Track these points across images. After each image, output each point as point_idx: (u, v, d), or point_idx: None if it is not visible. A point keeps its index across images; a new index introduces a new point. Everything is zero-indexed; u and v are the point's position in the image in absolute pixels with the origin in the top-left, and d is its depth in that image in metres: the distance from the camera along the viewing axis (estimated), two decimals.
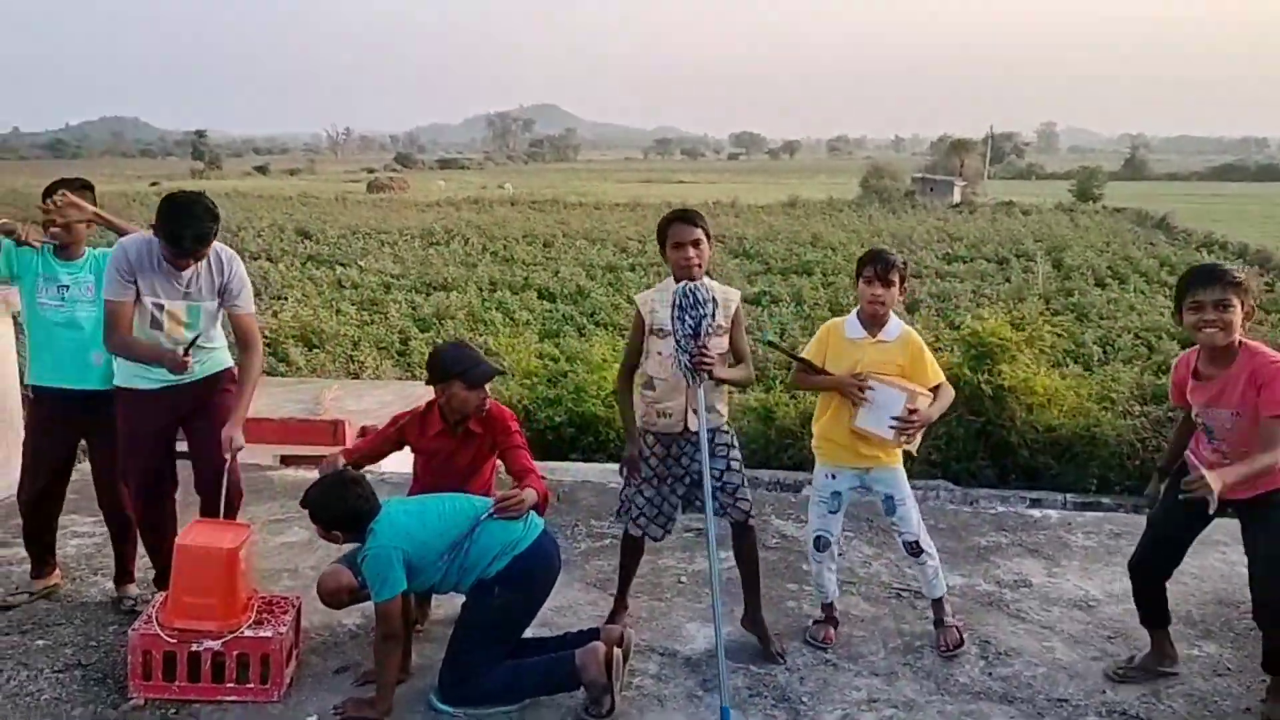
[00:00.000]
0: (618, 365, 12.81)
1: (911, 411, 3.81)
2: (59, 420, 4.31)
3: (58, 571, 4.54)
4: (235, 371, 4.18)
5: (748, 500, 3.98)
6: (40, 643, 3.97)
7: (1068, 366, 14.73)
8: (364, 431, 7.56)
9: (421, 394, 8.73)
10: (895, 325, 4.05)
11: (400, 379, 14.52)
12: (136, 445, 4.06)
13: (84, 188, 4.34)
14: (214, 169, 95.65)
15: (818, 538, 4.14)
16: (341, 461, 3.83)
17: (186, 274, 3.91)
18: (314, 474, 4.43)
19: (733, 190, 62.66)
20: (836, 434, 4.03)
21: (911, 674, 3.85)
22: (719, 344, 3.87)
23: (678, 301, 3.77)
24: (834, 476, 4.09)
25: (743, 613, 4.11)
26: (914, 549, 4.04)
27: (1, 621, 4.15)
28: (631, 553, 4.19)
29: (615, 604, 4.24)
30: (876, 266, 3.96)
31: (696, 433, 3.84)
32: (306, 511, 3.56)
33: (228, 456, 3.90)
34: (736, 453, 4.01)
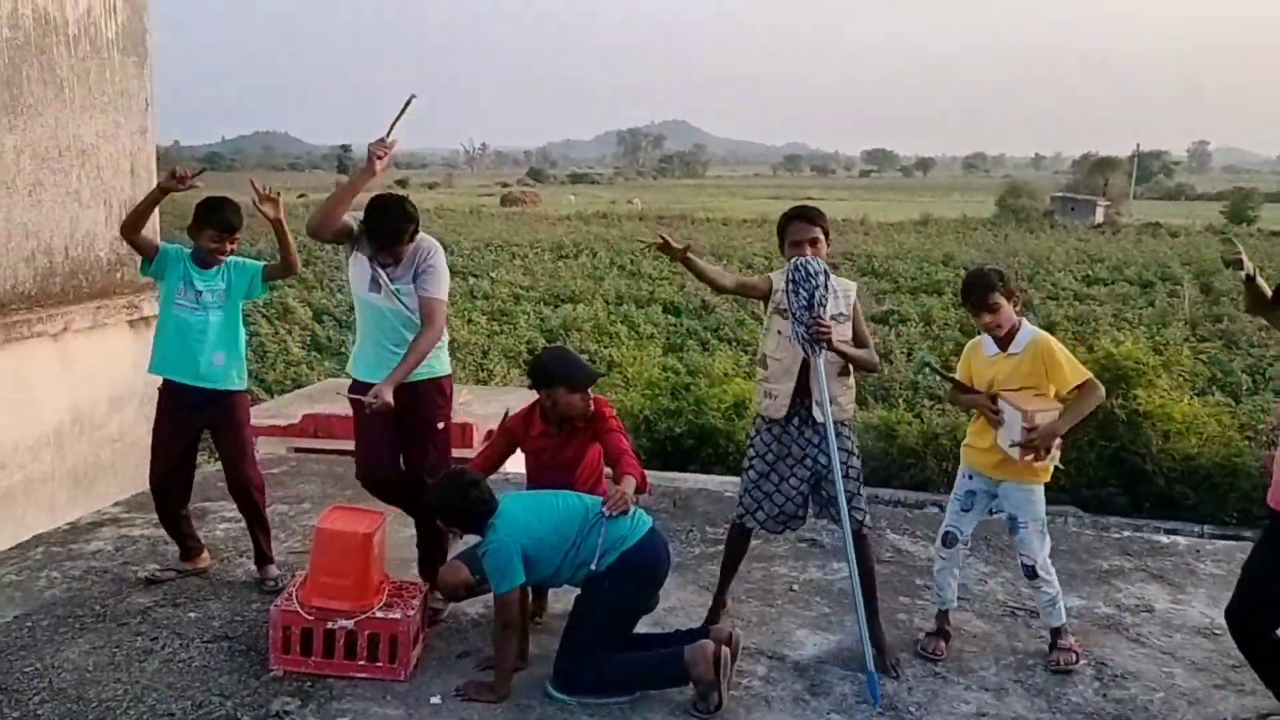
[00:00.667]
0: (739, 380, 12.79)
1: (1030, 430, 3.79)
2: (180, 411, 4.57)
3: (205, 555, 4.86)
4: (441, 383, 4.33)
5: (861, 510, 4.00)
6: (192, 615, 4.31)
7: (1213, 394, 14.09)
8: (489, 435, 7.87)
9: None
10: (1025, 335, 3.99)
11: (527, 386, 14.94)
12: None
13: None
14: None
15: (946, 533, 4.15)
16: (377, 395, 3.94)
17: (388, 269, 4.15)
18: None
19: (863, 208, 61.89)
20: (978, 442, 4.06)
21: (1023, 691, 3.81)
22: (840, 330, 3.93)
23: (790, 276, 3.87)
24: (971, 477, 4.11)
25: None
26: (1029, 572, 4.00)
27: (158, 595, 4.51)
28: (735, 545, 4.25)
29: (714, 600, 4.31)
30: (971, 299, 3.97)
31: (814, 422, 3.91)
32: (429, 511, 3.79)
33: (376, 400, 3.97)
34: (857, 459, 4.04)
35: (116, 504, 5.77)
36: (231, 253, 4.55)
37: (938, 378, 12.73)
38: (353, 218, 4.16)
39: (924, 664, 4.02)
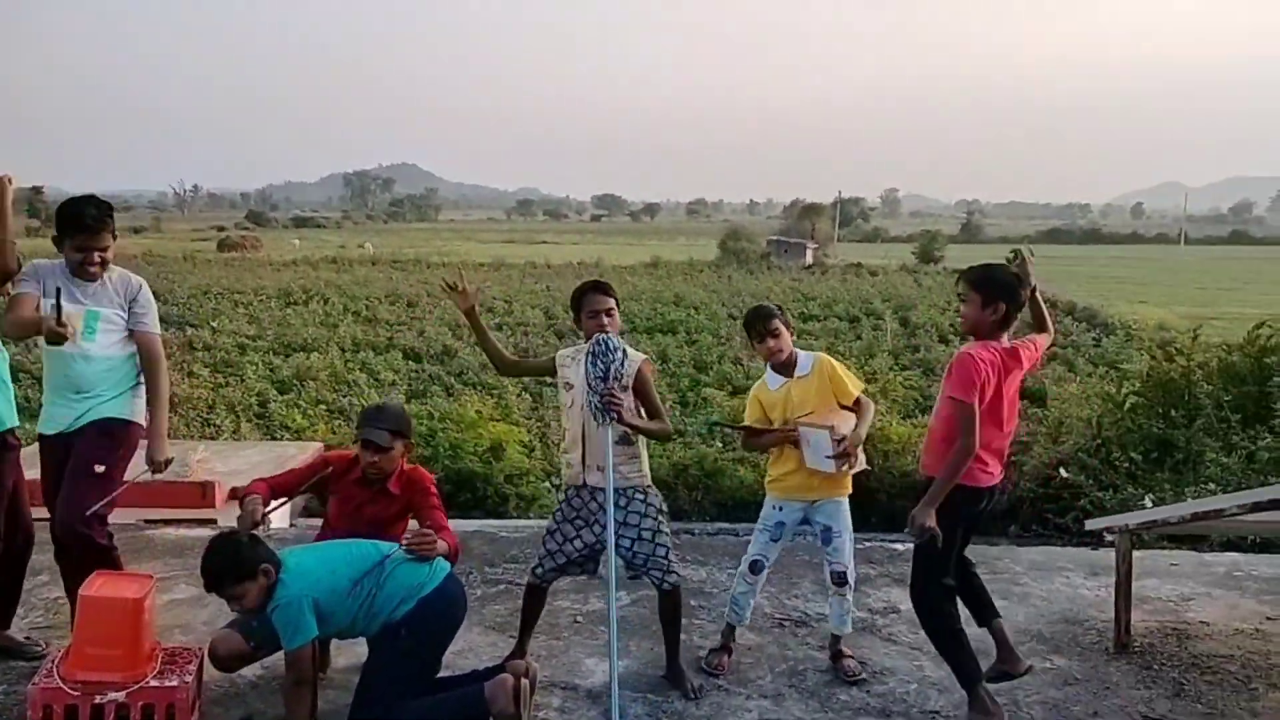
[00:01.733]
0: (491, 424, 12.72)
1: (840, 441, 4.14)
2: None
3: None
4: (124, 427, 4.13)
5: (662, 567, 4.09)
6: None
7: (917, 417, 15.58)
8: (234, 492, 7.45)
9: (293, 454, 8.69)
10: (806, 359, 4.40)
11: (263, 439, 14.20)
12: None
13: None
14: (49, 225, 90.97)
15: (754, 562, 4.42)
16: (259, 503, 3.87)
17: (92, 287, 4.01)
18: (193, 532, 4.39)
19: (596, 251, 63.59)
20: (787, 473, 4.35)
21: (798, 695, 4.13)
22: (628, 398, 4.09)
23: (591, 349, 4.04)
24: (780, 509, 4.40)
25: (666, 660, 4.25)
26: (840, 579, 4.35)
27: None
28: (531, 602, 4.31)
29: (515, 649, 4.34)
30: (758, 326, 4.37)
31: (598, 488, 4.04)
32: (204, 579, 3.56)
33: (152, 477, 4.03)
34: (651, 521, 4.11)
35: None
36: None
37: (728, 431, 13.33)
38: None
39: (706, 678, 4.25)
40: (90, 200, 4.05)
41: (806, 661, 4.42)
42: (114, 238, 4.04)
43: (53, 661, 3.63)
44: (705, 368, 21.62)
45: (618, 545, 4.06)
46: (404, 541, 3.72)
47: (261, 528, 3.88)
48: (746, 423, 4.50)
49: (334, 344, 25.49)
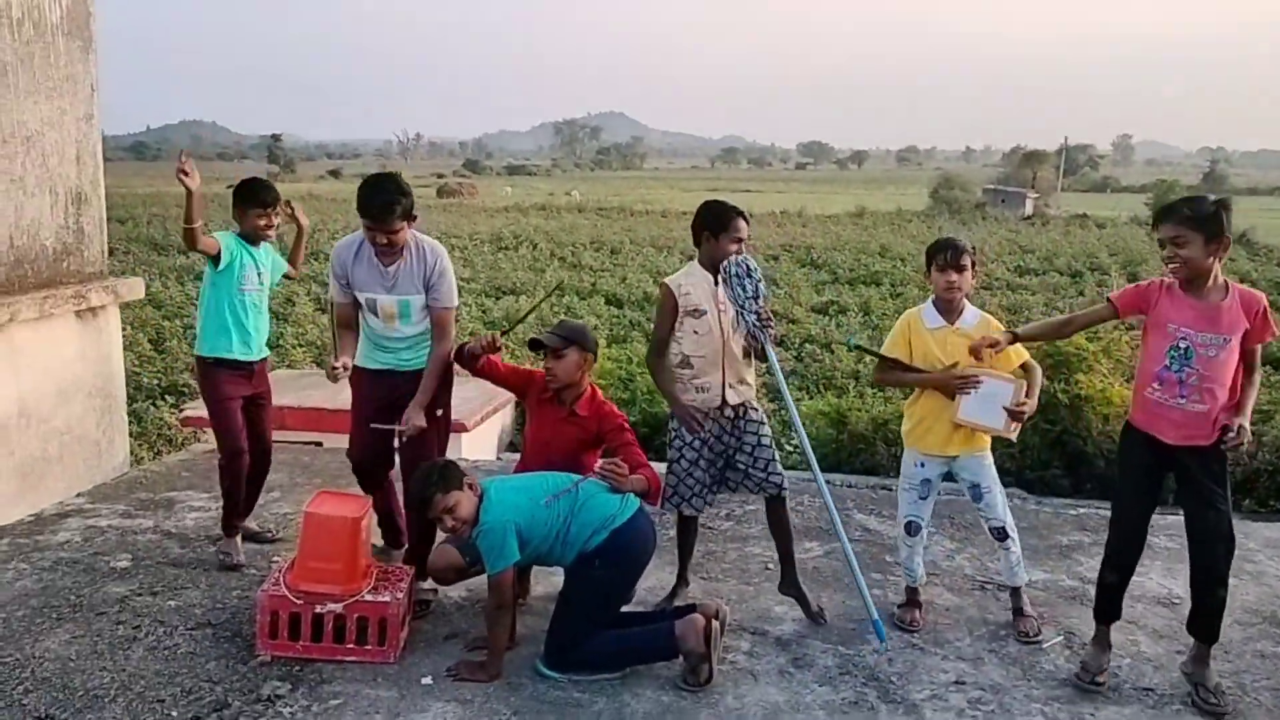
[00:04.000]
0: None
1: (1020, 403, 3.94)
2: (238, 385, 4.76)
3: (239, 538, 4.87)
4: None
5: (780, 474, 4.21)
6: (171, 603, 4.26)
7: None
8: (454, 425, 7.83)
9: (499, 392, 9.02)
10: (972, 312, 4.18)
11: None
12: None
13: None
14: (289, 172, 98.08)
15: (909, 523, 4.27)
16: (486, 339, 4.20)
17: (390, 269, 4.18)
18: None
19: (800, 200, 62.48)
20: (928, 423, 4.16)
21: (997, 660, 3.96)
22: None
23: (734, 272, 4.02)
24: (923, 465, 4.21)
25: (779, 579, 4.34)
26: (1000, 534, 4.16)
27: (134, 584, 4.45)
28: (688, 532, 4.43)
29: (677, 580, 4.44)
30: (948, 253, 4.12)
31: (739, 404, 4.15)
32: (414, 501, 3.78)
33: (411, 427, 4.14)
34: (766, 428, 4.24)
35: (79, 495, 5.67)
36: (273, 226, 4.78)
37: (867, 357, 12.86)
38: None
39: (900, 636, 4.14)
40: (380, 187, 4.06)
41: (1008, 628, 4.22)
42: (408, 219, 4.10)
43: (280, 571, 3.92)
44: None
45: (737, 457, 4.21)
46: (597, 466, 3.80)
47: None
48: (884, 350, 4.28)
49: (540, 288, 26.31)
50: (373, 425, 4.25)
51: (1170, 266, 3.52)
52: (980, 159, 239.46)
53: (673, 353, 4.20)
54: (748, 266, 4.04)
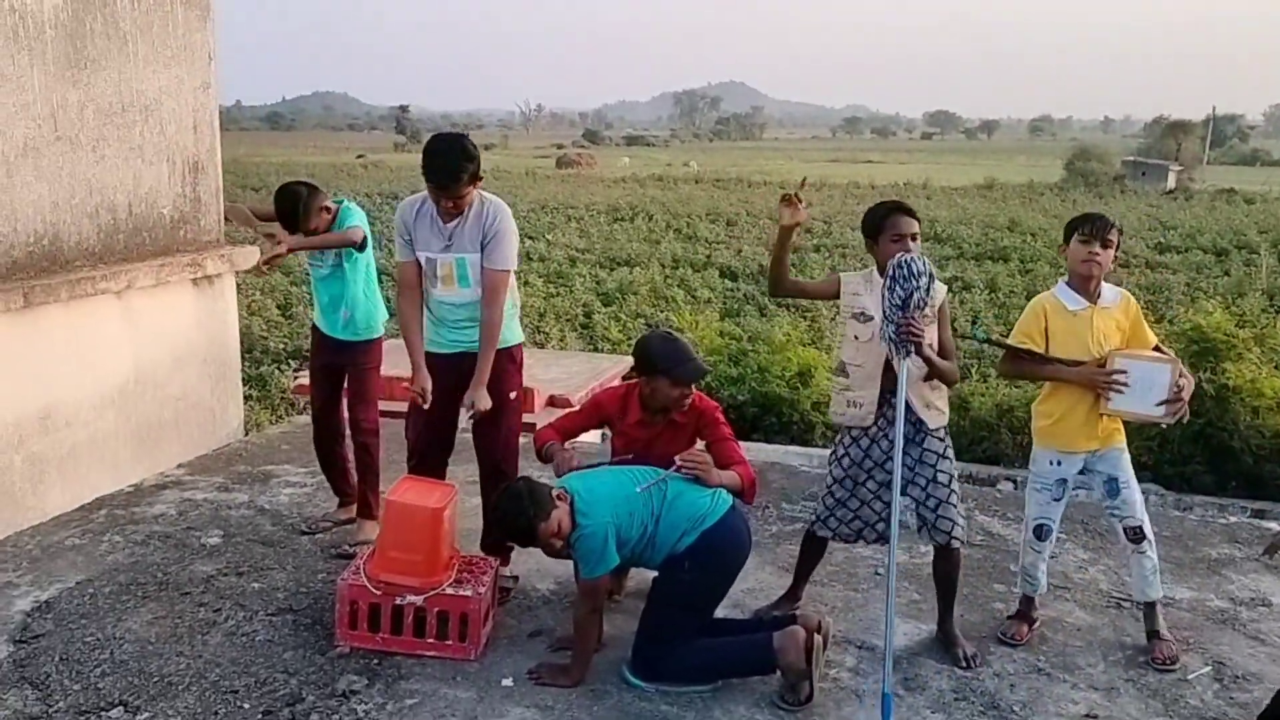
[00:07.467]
0: (801, 348, 12.42)
1: (1178, 387, 3.56)
2: (318, 360, 4.78)
3: (354, 506, 4.82)
4: (511, 351, 4.12)
5: (951, 520, 3.71)
6: (255, 585, 4.19)
7: None
8: (552, 400, 7.67)
9: (606, 367, 8.83)
10: (1111, 290, 3.79)
11: (584, 350, 14.77)
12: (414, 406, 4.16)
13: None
14: (415, 142, 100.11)
15: (1039, 526, 3.88)
16: (566, 449, 3.85)
17: (450, 226, 3.92)
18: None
19: (925, 171, 60.57)
20: (1068, 415, 3.76)
21: (1135, 691, 3.54)
22: (929, 332, 3.64)
23: (891, 273, 3.53)
24: (1059, 463, 3.81)
25: (937, 621, 3.92)
26: (1136, 534, 3.75)
27: (220, 563, 4.40)
28: (810, 550, 4.07)
29: (789, 591, 4.12)
30: (1094, 224, 3.72)
31: (892, 424, 3.61)
32: (511, 537, 3.57)
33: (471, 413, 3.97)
34: (948, 464, 3.74)
35: (180, 465, 5.70)
36: (330, 223, 4.58)
37: (1004, 349, 12.26)
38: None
39: (1024, 659, 3.76)
40: (443, 151, 3.82)
41: (1148, 652, 3.79)
42: (474, 180, 3.83)
43: (362, 560, 3.78)
44: None
45: (908, 490, 3.70)
46: (677, 460, 3.51)
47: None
48: (1014, 341, 3.84)
49: (655, 260, 26.08)
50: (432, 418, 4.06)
51: None
52: (1120, 129, 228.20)
53: (833, 357, 3.85)
54: (910, 269, 3.52)
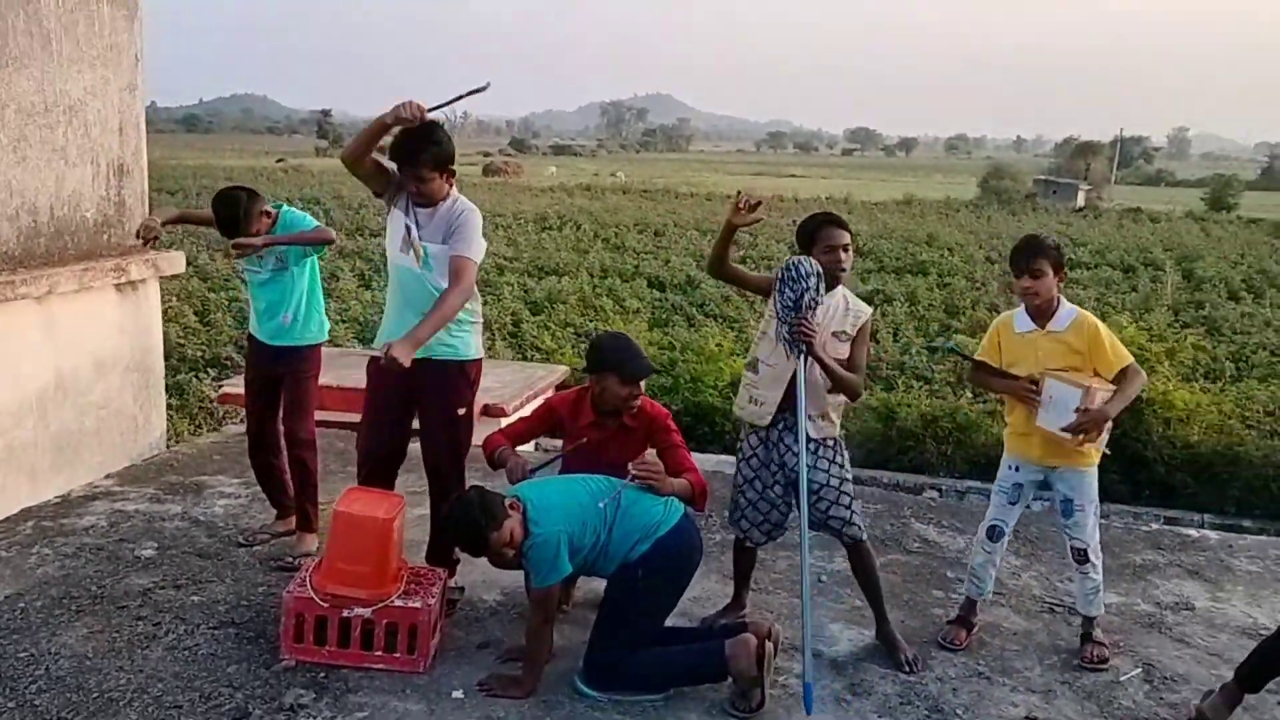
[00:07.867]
0: (731, 358, 12.56)
1: (1083, 411, 3.62)
2: (253, 371, 4.69)
3: (294, 518, 4.72)
4: (467, 366, 4.03)
5: (841, 519, 3.82)
6: (195, 599, 4.08)
7: (1198, 381, 14.03)
8: (487, 410, 7.62)
9: (540, 376, 8.81)
10: (1066, 313, 3.87)
11: (515, 359, 14.69)
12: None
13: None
14: (337, 147, 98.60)
15: (992, 527, 4.00)
16: (517, 455, 3.84)
17: (425, 214, 3.86)
18: None
19: (846, 186, 61.63)
20: (1025, 428, 3.88)
21: (1071, 693, 3.66)
22: (838, 349, 3.76)
23: (781, 275, 3.68)
24: (1017, 469, 3.95)
25: (875, 627, 3.99)
26: (1080, 556, 3.88)
27: (157, 576, 4.27)
28: (742, 555, 4.12)
29: (733, 599, 4.17)
30: (1021, 260, 3.84)
31: (797, 433, 3.72)
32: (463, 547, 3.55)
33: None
34: (838, 469, 3.85)
35: (108, 476, 5.52)
36: (269, 228, 4.48)
37: (963, 359, 12.57)
38: (389, 163, 3.93)
39: (965, 663, 3.85)
40: (411, 133, 3.78)
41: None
42: (438, 169, 3.80)
43: (307, 571, 3.71)
44: (957, 313, 20.41)
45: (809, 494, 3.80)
46: (630, 468, 3.53)
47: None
48: (978, 355, 4.00)
49: (584, 269, 26.06)
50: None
51: None
52: (1032, 149, 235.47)
53: (750, 352, 3.94)
54: (798, 271, 3.65)
